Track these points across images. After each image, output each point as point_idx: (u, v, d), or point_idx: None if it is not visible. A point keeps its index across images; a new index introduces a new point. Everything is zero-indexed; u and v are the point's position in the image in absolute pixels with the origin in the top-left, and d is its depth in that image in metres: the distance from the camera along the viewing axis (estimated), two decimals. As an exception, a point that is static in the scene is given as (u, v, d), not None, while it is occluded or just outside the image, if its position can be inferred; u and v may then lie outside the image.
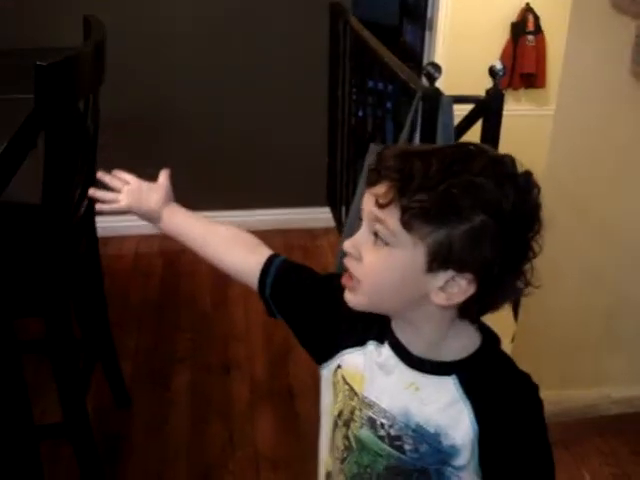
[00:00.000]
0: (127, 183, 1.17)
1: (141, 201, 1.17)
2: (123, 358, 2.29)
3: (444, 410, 0.91)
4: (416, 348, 0.93)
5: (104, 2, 2.56)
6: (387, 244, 0.85)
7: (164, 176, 1.19)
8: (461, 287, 0.84)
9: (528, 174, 0.86)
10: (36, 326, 1.70)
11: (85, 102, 1.73)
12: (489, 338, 0.95)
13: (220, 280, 2.92)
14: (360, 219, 0.90)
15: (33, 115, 1.51)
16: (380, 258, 0.86)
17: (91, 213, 1.93)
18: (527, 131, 3.90)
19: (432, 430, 0.91)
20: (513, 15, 4.28)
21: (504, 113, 1.80)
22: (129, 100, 2.93)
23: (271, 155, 3.27)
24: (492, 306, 0.90)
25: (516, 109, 4.27)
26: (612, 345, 2.37)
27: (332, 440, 1.03)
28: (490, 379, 0.93)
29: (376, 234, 0.86)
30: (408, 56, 4.21)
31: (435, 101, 1.65)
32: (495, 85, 1.73)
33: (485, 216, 0.81)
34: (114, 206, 1.16)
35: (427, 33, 4.10)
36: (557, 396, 2.32)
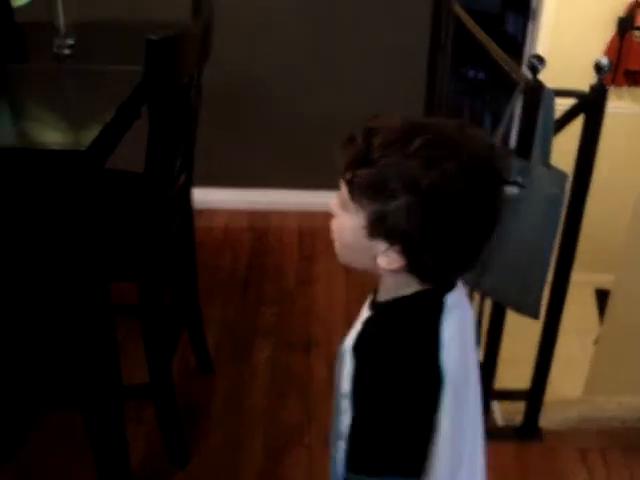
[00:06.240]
0: None
1: None
2: (208, 327, 2.36)
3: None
4: (381, 296, 1.06)
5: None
6: (344, 208, 0.98)
7: None
8: (393, 257, 0.95)
9: (473, 161, 0.91)
10: (130, 291, 1.76)
11: (189, 76, 1.77)
12: (427, 294, 1.01)
13: (305, 258, 2.97)
14: None
15: (140, 87, 1.57)
16: (339, 220, 1.00)
17: (188, 185, 1.98)
18: (629, 130, 3.79)
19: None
20: (621, 9, 4.13)
21: (606, 111, 1.76)
22: (223, 74, 2.97)
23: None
24: (445, 272, 0.99)
25: (618, 107, 4.14)
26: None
27: None
28: (379, 321, 1.04)
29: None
30: (508, 46, 4.14)
31: (537, 94, 1.62)
32: (599, 81, 1.70)
33: (410, 195, 0.89)
34: None
35: (530, 23, 4.02)
36: (638, 403, 2.27)
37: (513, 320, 1.95)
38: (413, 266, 0.95)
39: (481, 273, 1.80)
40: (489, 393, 2.07)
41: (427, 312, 1.00)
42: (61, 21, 1.87)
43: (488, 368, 2.03)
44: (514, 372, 2.20)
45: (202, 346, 2.29)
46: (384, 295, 1.05)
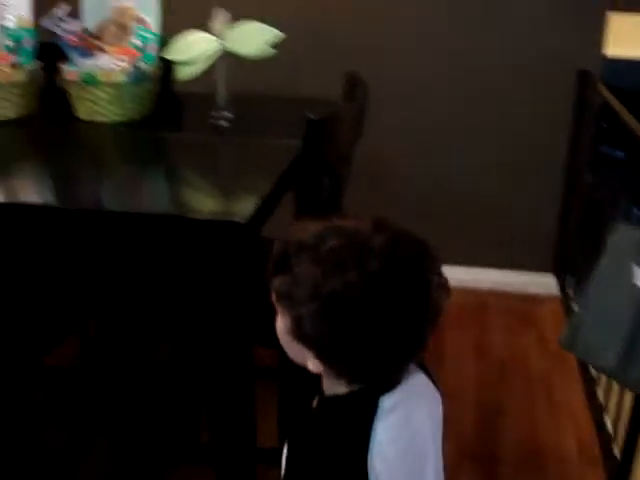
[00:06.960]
0: None
1: None
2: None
3: None
4: (325, 390, 1.05)
5: (363, 61, 2.63)
6: (277, 311, 0.98)
7: None
8: (316, 361, 0.95)
9: (383, 267, 0.89)
10: (269, 354, 1.81)
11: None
12: (360, 395, 0.99)
13: (437, 333, 2.94)
14: None
15: (296, 162, 1.63)
16: (277, 321, 1.00)
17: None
18: None
19: None
20: None
21: None
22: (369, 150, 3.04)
23: (496, 214, 3.24)
24: (369, 376, 0.97)
25: None
26: None
27: None
28: (315, 417, 1.06)
29: None
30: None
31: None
32: None
33: (314, 303, 0.88)
34: None
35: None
36: None
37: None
38: (331, 371, 0.96)
39: (624, 364, 1.75)
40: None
41: (358, 414, 0.98)
42: (222, 95, 1.98)
43: (624, 464, 1.96)
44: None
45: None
46: (326, 390, 1.05)
